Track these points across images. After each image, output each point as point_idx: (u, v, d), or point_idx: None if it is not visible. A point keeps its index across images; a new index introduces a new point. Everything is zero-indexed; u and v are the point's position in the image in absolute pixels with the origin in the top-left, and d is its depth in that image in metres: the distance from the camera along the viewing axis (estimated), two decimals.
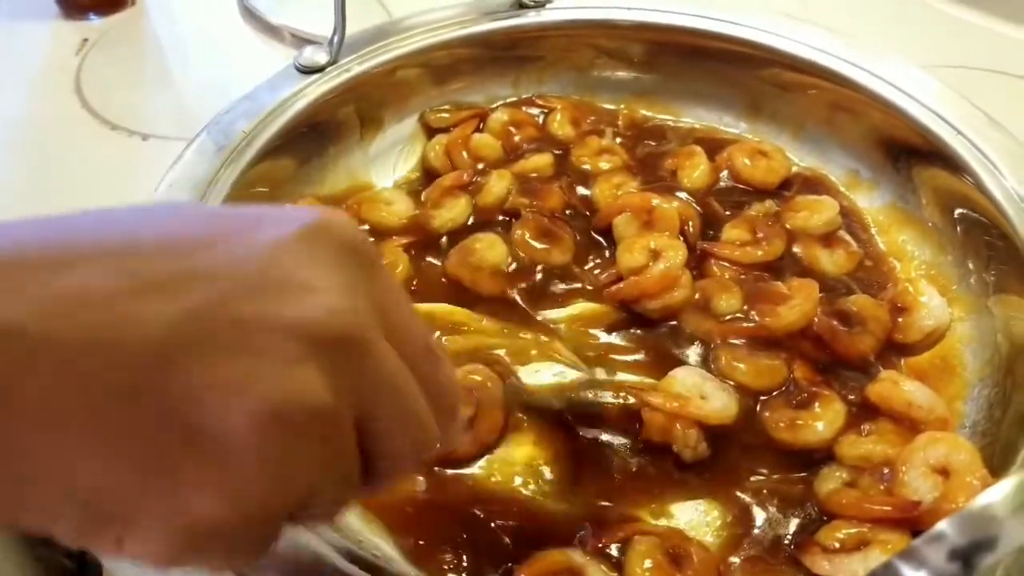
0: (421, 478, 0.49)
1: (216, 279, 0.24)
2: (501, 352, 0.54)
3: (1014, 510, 0.31)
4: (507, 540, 0.47)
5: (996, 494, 0.32)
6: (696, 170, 0.65)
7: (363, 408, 0.26)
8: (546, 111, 0.70)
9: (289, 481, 0.25)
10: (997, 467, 0.45)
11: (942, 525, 0.30)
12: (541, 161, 0.66)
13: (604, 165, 0.66)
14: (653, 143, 0.68)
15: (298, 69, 0.62)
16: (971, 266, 0.56)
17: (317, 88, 0.62)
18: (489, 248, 0.59)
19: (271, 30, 0.85)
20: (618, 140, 0.68)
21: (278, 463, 0.24)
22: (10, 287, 0.22)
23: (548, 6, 0.70)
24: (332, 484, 0.27)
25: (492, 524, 0.47)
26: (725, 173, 0.65)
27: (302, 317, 0.24)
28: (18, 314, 0.21)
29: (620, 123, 0.70)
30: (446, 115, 0.70)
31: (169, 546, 0.24)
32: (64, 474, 0.22)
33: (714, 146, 0.67)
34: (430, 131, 0.69)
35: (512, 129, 0.69)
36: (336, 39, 0.63)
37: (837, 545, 0.44)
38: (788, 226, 0.60)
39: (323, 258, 0.26)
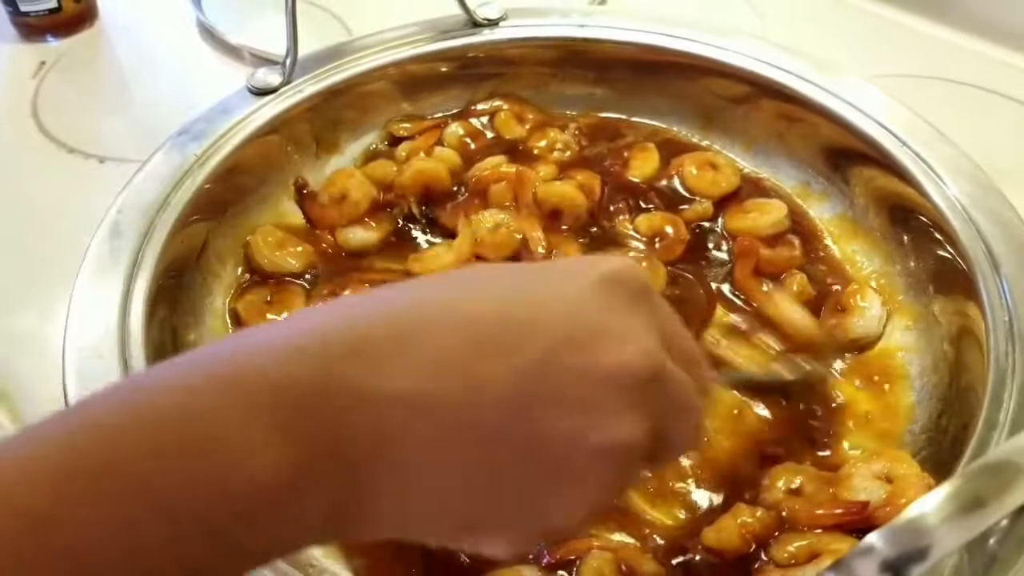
0: None
1: (541, 335, 0.29)
2: None
3: (944, 519, 0.31)
4: (462, 557, 0.47)
5: (927, 504, 0.32)
6: (646, 163, 0.67)
7: (663, 422, 0.32)
8: (490, 115, 0.71)
9: (615, 490, 0.32)
10: (942, 475, 0.45)
11: (871, 537, 0.31)
12: (491, 164, 0.66)
13: (555, 155, 0.68)
14: (610, 143, 0.70)
15: (251, 91, 0.63)
16: (918, 275, 0.57)
17: (270, 109, 0.62)
18: None
19: (230, 50, 0.85)
20: (577, 134, 0.70)
21: (611, 482, 0.31)
22: (380, 360, 0.27)
23: (502, 24, 0.70)
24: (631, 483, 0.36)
25: None
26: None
27: (620, 365, 0.30)
28: (397, 382, 0.27)
29: (581, 121, 0.71)
30: (408, 125, 0.70)
31: (522, 546, 0.32)
32: (445, 505, 0.29)
33: (676, 150, 0.68)
34: (393, 140, 0.70)
35: (468, 140, 0.69)
36: (289, 60, 0.63)
37: (789, 558, 0.44)
38: (732, 228, 0.62)
39: (620, 304, 0.31)
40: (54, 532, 0.23)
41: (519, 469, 0.29)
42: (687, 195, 0.65)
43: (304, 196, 0.64)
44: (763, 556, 0.45)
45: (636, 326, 0.31)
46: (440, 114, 0.71)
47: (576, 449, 0.29)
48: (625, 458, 0.30)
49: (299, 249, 0.61)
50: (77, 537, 0.23)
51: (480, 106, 0.71)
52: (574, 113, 0.72)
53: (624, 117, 0.72)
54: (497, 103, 0.71)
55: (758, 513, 0.46)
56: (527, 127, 0.71)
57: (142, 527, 0.24)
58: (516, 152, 0.68)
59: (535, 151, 0.69)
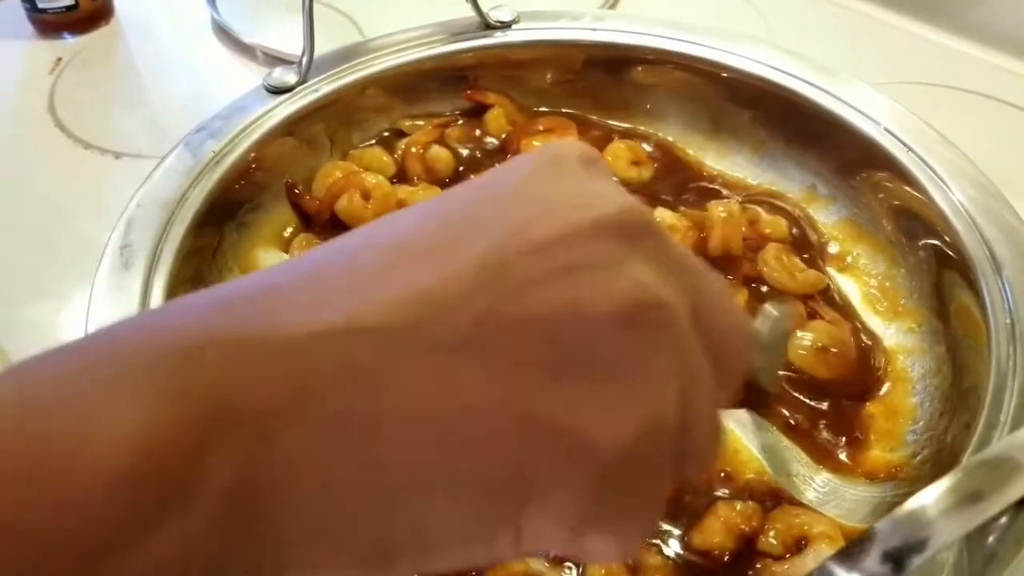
0: None
1: (489, 223, 0.23)
2: None
3: (943, 511, 0.32)
4: None
5: (928, 496, 0.33)
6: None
7: (690, 295, 0.24)
8: (482, 106, 0.72)
9: (664, 382, 0.22)
10: (944, 474, 0.46)
11: (875, 526, 0.32)
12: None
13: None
14: None
15: (267, 89, 0.64)
16: (921, 278, 0.58)
17: (286, 108, 0.63)
18: None
19: (244, 49, 0.86)
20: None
21: (649, 364, 0.22)
22: (287, 299, 0.21)
23: (514, 27, 0.71)
24: (698, 384, 0.24)
25: None
26: None
27: (599, 217, 0.23)
28: (318, 316, 0.20)
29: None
30: (420, 123, 0.71)
31: (585, 501, 0.22)
32: (427, 468, 0.20)
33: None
34: (400, 135, 0.71)
35: (468, 142, 0.71)
36: (305, 60, 0.64)
37: (780, 548, 0.45)
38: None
39: (575, 172, 0.25)
40: None
41: (527, 380, 0.21)
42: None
43: (298, 195, 0.64)
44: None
45: (604, 186, 0.25)
46: (449, 112, 0.72)
47: (585, 318, 0.21)
48: (654, 324, 0.22)
49: None
50: None
51: (475, 96, 0.72)
52: (571, 111, 0.73)
53: (630, 126, 0.73)
54: (490, 98, 0.72)
55: (738, 507, 0.47)
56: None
57: None
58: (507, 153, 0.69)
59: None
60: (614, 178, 0.26)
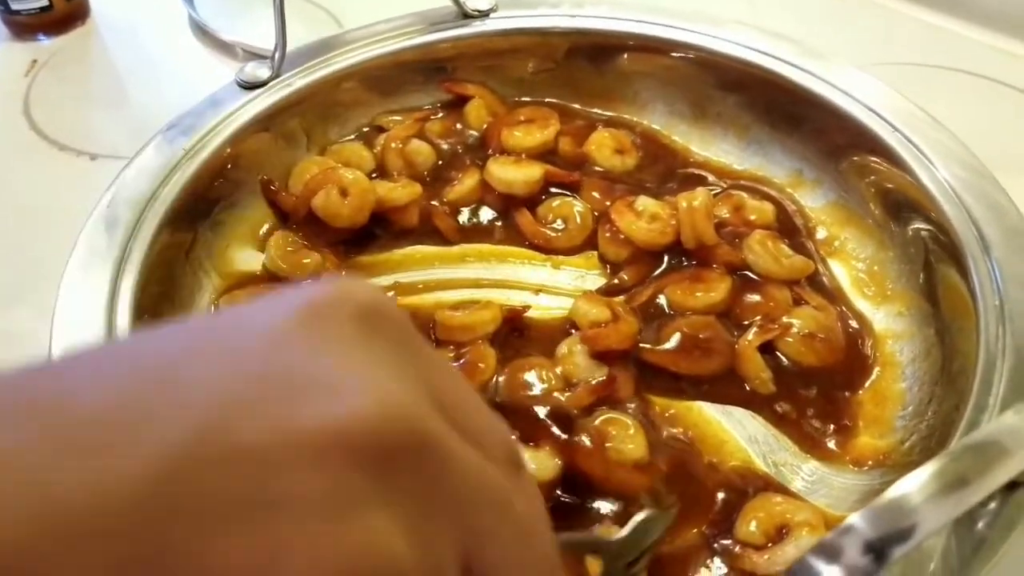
0: None
1: (183, 409, 0.16)
2: None
3: (928, 498, 0.31)
4: None
5: (911, 483, 0.32)
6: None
7: (466, 544, 0.19)
8: (462, 98, 0.71)
9: None
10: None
11: (853, 518, 0.30)
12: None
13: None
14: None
15: (240, 85, 0.62)
16: (910, 261, 0.57)
17: (260, 103, 0.62)
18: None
19: (223, 47, 0.85)
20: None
21: None
22: None
23: (492, 15, 0.70)
24: None
25: None
26: None
27: (336, 421, 0.17)
28: None
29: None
30: (399, 118, 0.70)
31: None
32: None
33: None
34: (380, 130, 0.70)
35: (448, 135, 0.69)
36: (277, 54, 0.63)
37: (760, 537, 0.44)
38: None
39: (341, 337, 0.18)
40: None
41: None
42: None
43: (274, 192, 0.63)
44: (724, 539, 0.45)
45: (370, 365, 0.18)
46: (428, 105, 0.71)
47: None
48: None
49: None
50: None
51: (455, 87, 0.71)
52: (553, 100, 0.72)
53: (613, 115, 0.72)
54: (469, 90, 0.71)
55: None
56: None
57: None
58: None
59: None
60: (417, 346, 0.20)
